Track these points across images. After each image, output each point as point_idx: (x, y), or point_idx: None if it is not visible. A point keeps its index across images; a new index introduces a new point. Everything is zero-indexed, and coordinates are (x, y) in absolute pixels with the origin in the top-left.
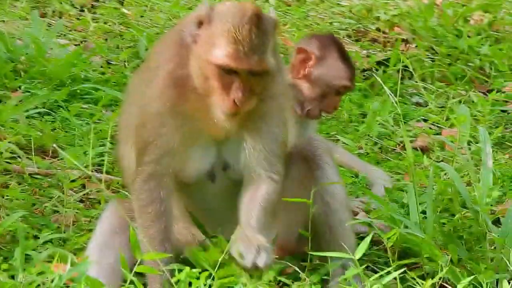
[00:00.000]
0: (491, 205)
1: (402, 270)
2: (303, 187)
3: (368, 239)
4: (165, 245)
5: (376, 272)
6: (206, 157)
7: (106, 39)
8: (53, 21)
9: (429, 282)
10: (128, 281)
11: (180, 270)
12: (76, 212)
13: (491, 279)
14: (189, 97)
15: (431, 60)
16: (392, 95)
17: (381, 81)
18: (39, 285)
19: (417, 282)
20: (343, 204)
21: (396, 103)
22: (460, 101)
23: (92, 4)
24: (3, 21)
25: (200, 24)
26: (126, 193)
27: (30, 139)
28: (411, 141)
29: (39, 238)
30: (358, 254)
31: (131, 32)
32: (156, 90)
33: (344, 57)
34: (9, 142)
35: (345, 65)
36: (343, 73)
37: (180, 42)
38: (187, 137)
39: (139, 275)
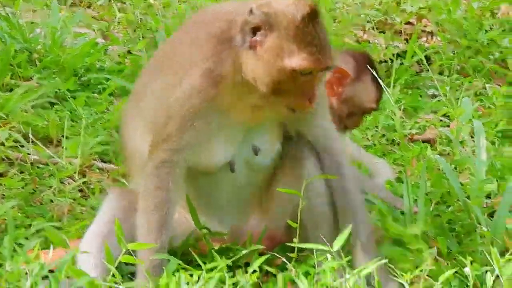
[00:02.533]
0: (490, 198)
1: (380, 262)
2: (293, 178)
3: (346, 232)
4: (162, 233)
5: None
6: (229, 147)
7: (134, 29)
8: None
9: (408, 276)
10: (111, 273)
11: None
12: (72, 202)
13: (476, 273)
14: (225, 93)
15: (452, 53)
16: (387, 88)
17: (376, 75)
18: (26, 273)
19: (398, 274)
20: (325, 197)
21: (381, 97)
22: (476, 94)
23: None
24: (32, 10)
25: (256, 30)
26: (126, 182)
27: (37, 129)
28: (419, 134)
29: None
30: (335, 246)
31: (150, 23)
32: (192, 87)
33: (376, 78)
34: (10, 129)
35: (376, 87)
36: (373, 96)
37: (219, 41)
38: (216, 130)
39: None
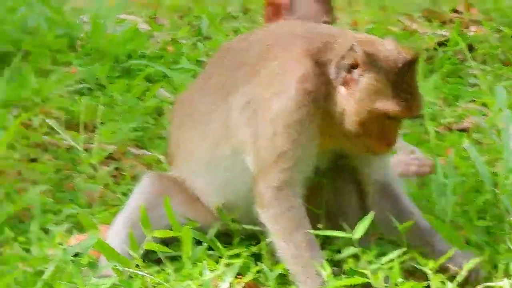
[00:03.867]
0: None
1: (402, 250)
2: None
3: (367, 220)
4: (316, 247)
5: None
6: None
7: (181, 16)
8: None
9: (431, 264)
10: (135, 263)
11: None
12: (104, 188)
13: (504, 262)
14: (317, 114)
15: (497, 42)
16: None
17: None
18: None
19: (419, 263)
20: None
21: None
22: None
23: None
24: None
25: (352, 67)
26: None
27: (73, 115)
28: (458, 123)
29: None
30: (357, 234)
31: (194, 10)
32: (293, 102)
33: None
34: (45, 115)
35: None
36: None
37: (316, 62)
38: (316, 145)
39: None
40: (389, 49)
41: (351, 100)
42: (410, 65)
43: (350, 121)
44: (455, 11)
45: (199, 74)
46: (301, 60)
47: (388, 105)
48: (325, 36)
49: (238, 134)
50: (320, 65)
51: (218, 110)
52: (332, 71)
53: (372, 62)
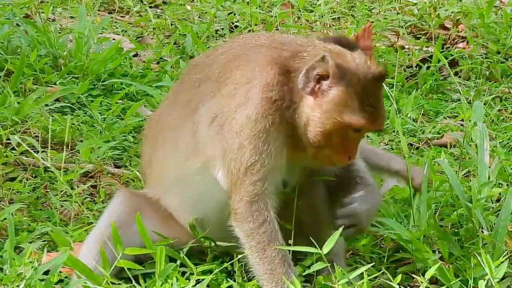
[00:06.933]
0: (495, 202)
1: (369, 265)
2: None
3: (336, 235)
4: (287, 264)
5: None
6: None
7: (167, 36)
8: (119, 18)
9: (398, 278)
10: (105, 280)
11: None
12: (80, 206)
13: (475, 276)
14: (285, 126)
15: (482, 58)
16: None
17: (385, 87)
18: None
19: (390, 279)
20: (325, 203)
21: (392, 97)
22: (503, 99)
23: (164, 1)
24: (71, 17)
25: (322, 78)
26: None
27: (53, 133)
28: (438, 138)
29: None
30: (325, 249)
31: (178, 29)
32: (257, 111)
33: None
34: (26, 134)
35: None
36: None
37: (281, 70)
38: (284, 156)
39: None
40: (358, 62)
41: (318, 111)
42: (377, 80)
43: (314, 132)
44: (443, 27)
45: (169, 92)
46: (266, 68)
47: (354, 118)
48: (293, 45)
49: (207, 150)
50: (286, 74)
51: (185, 126)
52: (300, 80)
53: (342, 75)
